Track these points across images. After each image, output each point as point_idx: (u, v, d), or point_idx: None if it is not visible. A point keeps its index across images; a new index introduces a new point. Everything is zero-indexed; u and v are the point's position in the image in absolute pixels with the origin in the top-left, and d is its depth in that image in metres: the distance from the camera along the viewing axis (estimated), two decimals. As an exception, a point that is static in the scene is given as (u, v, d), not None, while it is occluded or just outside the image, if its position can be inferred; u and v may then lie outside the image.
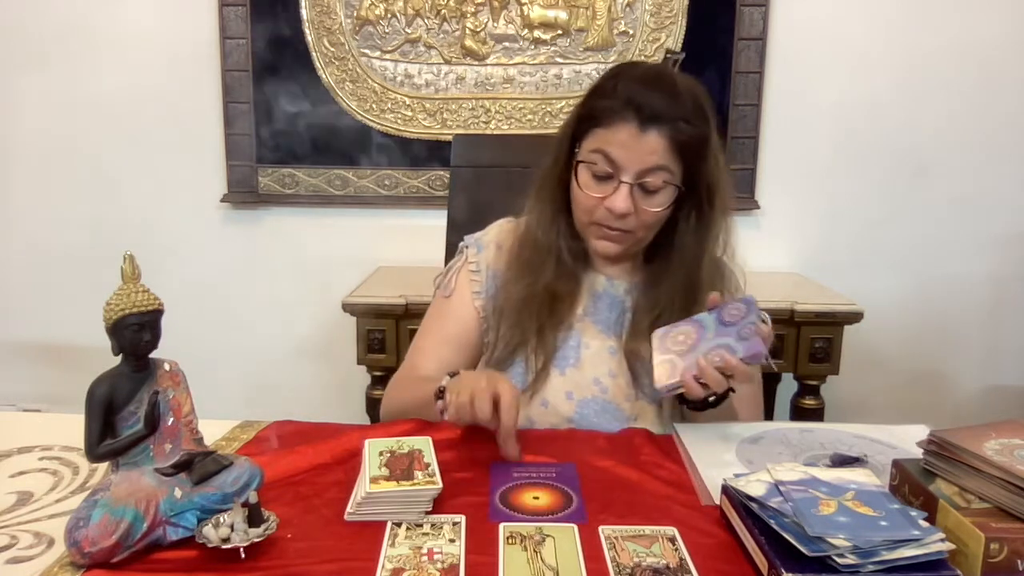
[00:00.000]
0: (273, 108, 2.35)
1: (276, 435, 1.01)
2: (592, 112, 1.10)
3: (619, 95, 1.07)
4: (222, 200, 2.41)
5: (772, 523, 0.70)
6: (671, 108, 1.06)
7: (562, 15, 2.27)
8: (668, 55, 1.21)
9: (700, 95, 1.11)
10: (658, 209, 1.09)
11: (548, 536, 0.76)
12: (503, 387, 0.93)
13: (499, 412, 0.92)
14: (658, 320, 1.11)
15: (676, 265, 1.15)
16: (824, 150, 2.33)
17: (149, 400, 0.75)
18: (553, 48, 2.28)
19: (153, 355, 0.77)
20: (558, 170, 1.16)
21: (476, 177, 1.65)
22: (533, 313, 1.15)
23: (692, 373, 0.96)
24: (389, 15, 2.30)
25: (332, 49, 2.32)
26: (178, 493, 0.74)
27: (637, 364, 1.13)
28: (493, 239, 1.24)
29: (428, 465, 0.83)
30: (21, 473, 0.92)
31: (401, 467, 0.83)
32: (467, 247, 1.25)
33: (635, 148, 1.06)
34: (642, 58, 2.27)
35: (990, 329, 2.41)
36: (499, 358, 1.17)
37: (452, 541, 0.75)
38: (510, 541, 0.75)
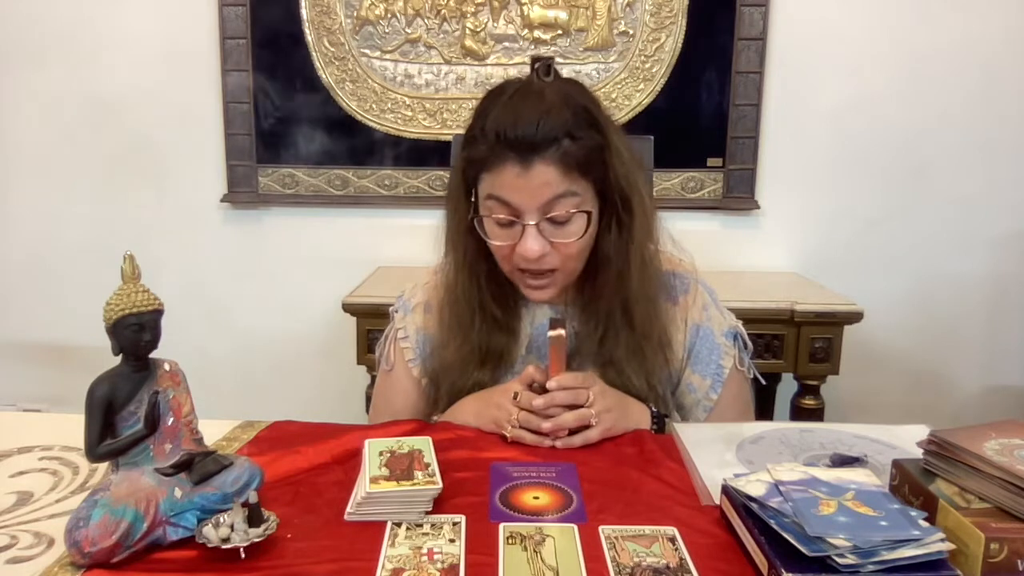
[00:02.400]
0: (273, 108, 2.35)
1: (266, 439, 1.01)
2: (472, 159, 1.02)
3: (488, 135, 0.98)
4: (222, 200, 2.41)
5: (772, 523, 0.70)
6: (547, 130, 0.96)
7: (562, 15, 2.27)
8: (535, 62, 1.04)
9: (579, 98, 1.01)
10: (573, 239, 1.01)
11: (548, 536, 0.76)
12: (514, 384, 1.00)
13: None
14: (603, 341, 1.08)
15: (607, 279, 1.07)
16: (824, 150, 2.33)
17: (149, 400, 0.75)
18: (553, 48, 2.28)
19: (153, 355, 0.77)
20: (460, 218, 1.08)
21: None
22: (468, 374, 1.10)
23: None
24: (389, 15, 2.30)
25: (332, 49, 2.32)
26: (178, 493, 0.74)
27: None
28: (421, 300, 1.19)
29: (428, 465, 0.83)
30: (21, 473, 0.92)
31: (401, 467, 0.82)
32: (395, 311, 1.21)
33: (524, 187, 0.97)
34: (641, 58, 2.27)
35: (990, 329, 2.41)
36: (443, 411, 1.14)
37: (452, 541, 0.75)
38: (510, 541, 0.75)
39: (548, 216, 0.99)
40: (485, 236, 1.04)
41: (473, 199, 1.05)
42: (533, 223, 0.99)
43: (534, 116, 0.96)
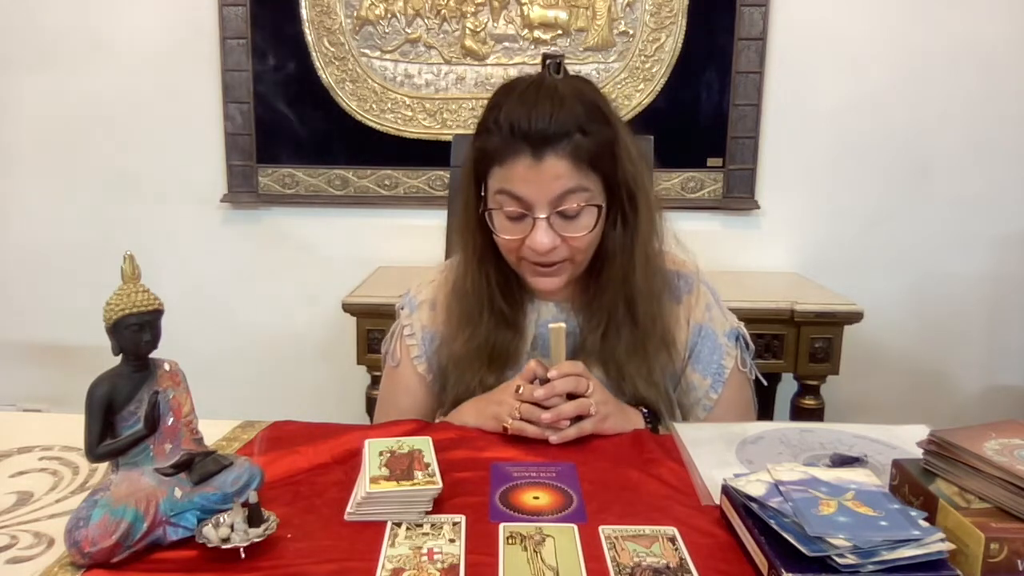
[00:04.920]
0: (273, 108, 2.35)
1: (266, 439, 1.00)
2: (484, 152, 1.02)
3: (503, 127, 0.99)
4: (222, 200, 2.41)
5: (772, 523, 0.70)
6: (560, 123, 0.97)
7: (562, 15, 2.27)
8: (547, 59, 1.07)
9: (590, 94, 1.03)
10: (584, 233, 1.02)
11: (548, 536, 0.76)
12: (516, 380, 1.00)
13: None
14: (605, 338, 1.08)
15: (610, 275, 1.08)
16: (824, 150, 2.33)
17: (149, 400, 0.75)
18: (553, 48, 2.28)
19: (153, 355, 0.77)
20: (471, 212, 1.08)
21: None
22: (474, 369, 1.10)
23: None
24: (389, 15, 2.30)
25: (332, 49, 2.32)
26: (178, 493, 0.74)
27: None
28: (427, 298, 1.19)
29: (428, 465, 0.83)
30: (21, 473, 0.92)
31: (401, 467, 0.82)
32: (401, 308, 1.21)
33: (537, 180, 0.98)
34: (641, 58, 2.27)
35: (990, 329, 2.41)
36: (447, 412, 1.13)
37: (452, 541, 0.75)
38: (510, 541, 0.75)
39: (559, 210, 1.00)
40: (495, 230, 1.04)
41: (483, 193, 1.05)
42: (544, 216, 1.00)
43: (547, 109, 0.97)
